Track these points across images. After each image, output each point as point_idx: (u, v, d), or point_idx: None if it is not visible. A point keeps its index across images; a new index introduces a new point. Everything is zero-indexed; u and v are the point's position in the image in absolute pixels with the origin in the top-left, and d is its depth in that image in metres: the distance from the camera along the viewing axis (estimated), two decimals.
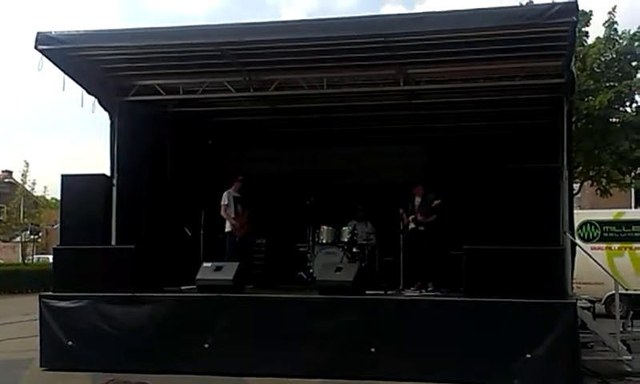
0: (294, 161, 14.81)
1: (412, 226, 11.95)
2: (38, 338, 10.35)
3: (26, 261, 34.29)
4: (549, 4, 9.18)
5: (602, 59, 20.33)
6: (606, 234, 18.28)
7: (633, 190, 28.53)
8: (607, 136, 20.23)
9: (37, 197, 39.10)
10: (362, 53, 10.44)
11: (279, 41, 10.08)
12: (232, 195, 12.54)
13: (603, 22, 20.72)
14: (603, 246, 17.92)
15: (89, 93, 11.21)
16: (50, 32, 10.08)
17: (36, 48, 9.97)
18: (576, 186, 20.98)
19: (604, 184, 22.33)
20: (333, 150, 14.84)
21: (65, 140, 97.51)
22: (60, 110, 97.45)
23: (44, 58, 10.12)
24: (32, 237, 37.14)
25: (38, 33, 10.00)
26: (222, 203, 12.42)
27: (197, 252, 12.64)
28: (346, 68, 11.01)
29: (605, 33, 20.62)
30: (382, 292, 10.96)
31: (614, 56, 20.46)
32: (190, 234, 12.92)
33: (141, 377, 9.28)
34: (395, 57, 10.47)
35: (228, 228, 12.44)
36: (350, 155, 14.74)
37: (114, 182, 11.35)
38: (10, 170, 45.77)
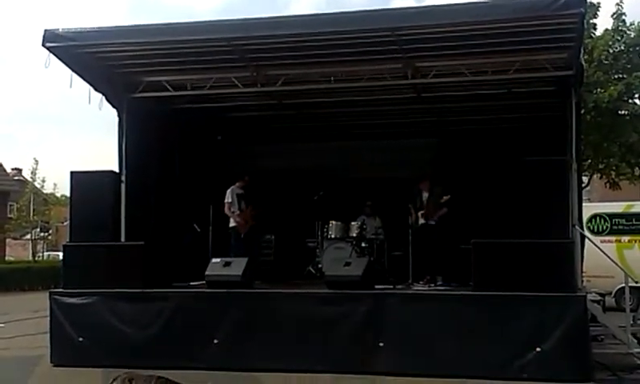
0: (302, 156, 14.80)
1: (422, 221, 11.92)
2: (49, 334, 10.40)
3: (36, 258, 34.41)
4: None
5: (611, 51, 20.20)
6: (615, 227, 18.21)
7: None
8: (616, 128, 20.12)
9: (46, 194, 39.21)
10: (370, 47, 10.42)
11: (286, 36, 10.07)
12: (235, 192, 12.54)
13: (611, 13, 20.61)
14: (613, 238, 17.86)
15: (96, 90, 11.24)
16: (57, 29, 10.09)
17: (43, 45, 9.98)
18: (585, 179, 20.89)
19: (613, 177, 22.23)
20: (341, 144, 14.83)
21: (74, 137, 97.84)
22: (68, 106, 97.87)
23: (51, 55, 10.14)
24: (42, 234, 37.25)
25: (46, 30, 10.01)
26: (226, 201, 12.43)
27: (206, 248, 12.66)
28: (353, 62, 10.98)
29: (613, 24, 20.48)
30: (391, 286, 10.94)
31: (623, 48, 20.33)
32: (199, 229, 12.94)
33: (153, 372, 9.30)
34: (403, 50, 10.44)
35: (232, 224, 12.46)
36: (358, 150, 14.74)
37: (123, 178, 11.38)
38: (20, 167, 46.01)
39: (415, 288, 11.26)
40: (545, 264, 9.25)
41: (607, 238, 17.66)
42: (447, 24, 9.53)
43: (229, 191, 12.50)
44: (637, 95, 20.49)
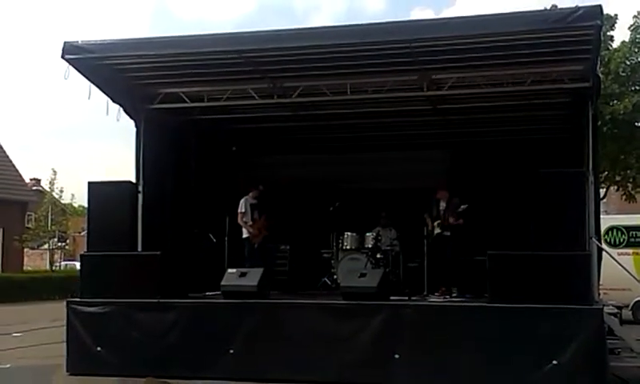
0: (318, 167, 14.83)
1: (437, 231, 11.90)
2: (65, 343, 10.46)
3: (53, 268, 34.60)
4: (573, 8, 9.12)
5: (628, 63, 20.14)
6: (632, 240, 18.08)
7: None
8: (633, 140, 20.04)
9: (64, 204, 39.45)
10: (386, 59, 10.45)
11: (302, 48, 10.12)
12: (249, 202, 12.57)
13: (629, 26, 20.56)
14: (630, 251, 17.73)
15: (114, 101, 11.34)
16: (77, 41, 10.21)
17: (63, 57, 10.10)
18: (602, 191, 20.79)
19: (630, 189, 22.10)
20: (357, 156, 14.85)
21: (92, 147, 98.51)
22: (87, 117, 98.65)
23: (70, 66, 10.25)
24: (59, 244, 37.44)
25: (65, 42, 10.14)
26: (239, 211, 12.44)
27: (221, 258, 12.71)
28: (369, 74, 11.02)
29: (630, 37, 20.43)
30: (406, 298, 10.94)
31: None
32: (214, 240, 12.98)
33: (170, 381, 9.34)
34: (419, 62, 10.46)
35: (245, 234, 12.49)
36: (373, 161, 14.74)
37: (140, 188, 11.47)
38: (38, 178, 46.33)
39: (431, 300, 11.24)
40: (561, 276, 9.19)
41: (624, 250, 17.54)
42: (463, 36, 9.54)
43: (242, 201, 12.52)
44: None
